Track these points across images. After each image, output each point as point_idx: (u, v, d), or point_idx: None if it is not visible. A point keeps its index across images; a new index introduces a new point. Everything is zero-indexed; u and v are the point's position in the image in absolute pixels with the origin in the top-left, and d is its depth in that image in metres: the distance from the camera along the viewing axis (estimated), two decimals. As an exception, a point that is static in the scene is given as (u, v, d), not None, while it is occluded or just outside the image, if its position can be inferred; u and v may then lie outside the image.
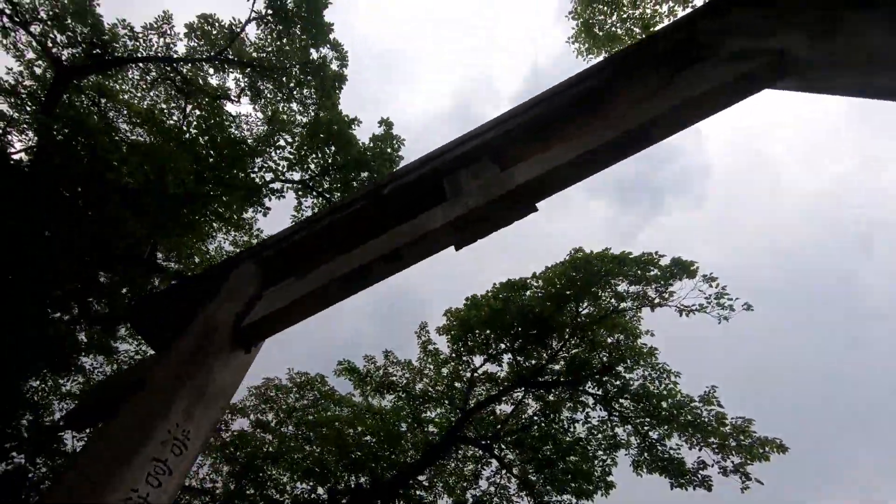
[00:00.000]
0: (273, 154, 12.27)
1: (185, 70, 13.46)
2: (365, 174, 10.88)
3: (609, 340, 12.75)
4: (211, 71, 14.06)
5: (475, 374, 14.16)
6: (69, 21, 12.22)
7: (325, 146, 11.31)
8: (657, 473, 12.44)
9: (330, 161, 11.34)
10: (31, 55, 13.40)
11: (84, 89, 12.88)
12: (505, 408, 14.85)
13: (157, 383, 3.71)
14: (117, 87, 13.41)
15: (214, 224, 13.18)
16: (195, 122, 11.69)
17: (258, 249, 5.55)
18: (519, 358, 13.55)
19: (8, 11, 12.38)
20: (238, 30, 12.07)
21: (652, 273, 11.56)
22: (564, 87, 4.48)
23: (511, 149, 4.77)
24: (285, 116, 13.44)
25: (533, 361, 13.57)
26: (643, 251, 11.56)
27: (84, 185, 9.52)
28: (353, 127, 11.13)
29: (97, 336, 13.53)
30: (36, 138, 10.53)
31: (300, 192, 12.23)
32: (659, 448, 12.42)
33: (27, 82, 13.47)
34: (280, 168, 12.26)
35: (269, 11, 11.16)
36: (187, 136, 12.04)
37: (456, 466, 15.93)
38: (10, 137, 12.53)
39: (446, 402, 14.69)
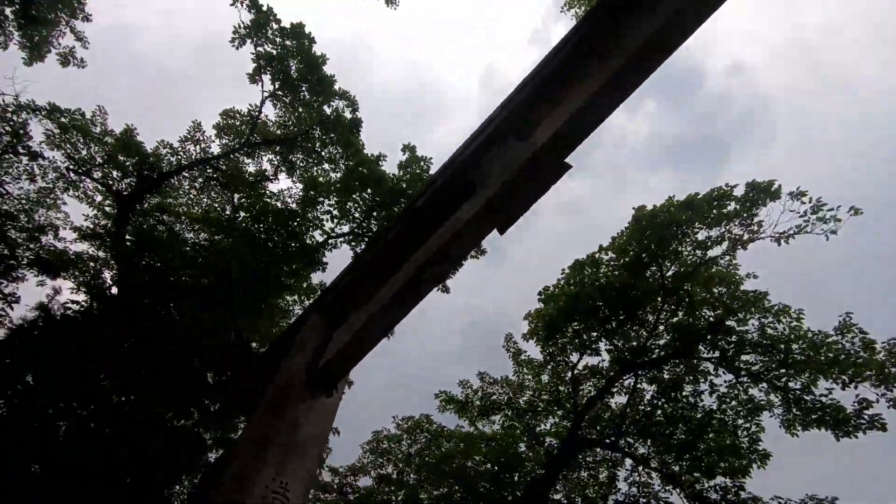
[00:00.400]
0: (319, 216, 12.83)
1: (223, 166, 14.61)
2: (403, 201, 11.05)
3: (708, 296, 11.63)
4: (246, 160, 15.18)
5: (576, 372, 13.49)
6: (120, 157, 13.78)
7: (362, 191, 11.66)
8: (815, 428, 10.96)
9: (369, 202, 11.66)
10: (99, 197, 15.18)
11: (148, 212, 14.33)
12: (619, 399, 13.95)
13: (247, 443, 3.78)
14: (173, 199, 14.79)
15: (287, 297, 13.88)
16: (244, 209, 12.54)
17: (319, 300, 5.71)
18: (616, 342, 12.74)
19: (72, 167, 14.21)
20: (256, 113, 12.97)
21: (730, 208, 10.48)
22: (562, 43, 4.28)
23: (528, 117, 4.60)
24: (321, 178, 14.10)
25: (633, 342, 12.70)
26: (711, 188, 10.56)
27: (163, 296, 10.41)
28: (380, 163, 11.42)
29: (219, 432, 14.46)
30: (116, 266, 11.74)
31: (352, 242, 12.65)
32: (807, 399, 10.97)
33: (102, 222, 15.22)
34: (328, 227, 12.80)
35: (277, 85, 11.93)
36: (241, 224, 12.95)
37: (589, 475, 15.08)
38: (103, 275, 14.16)
39: (556, 408, 14.05)
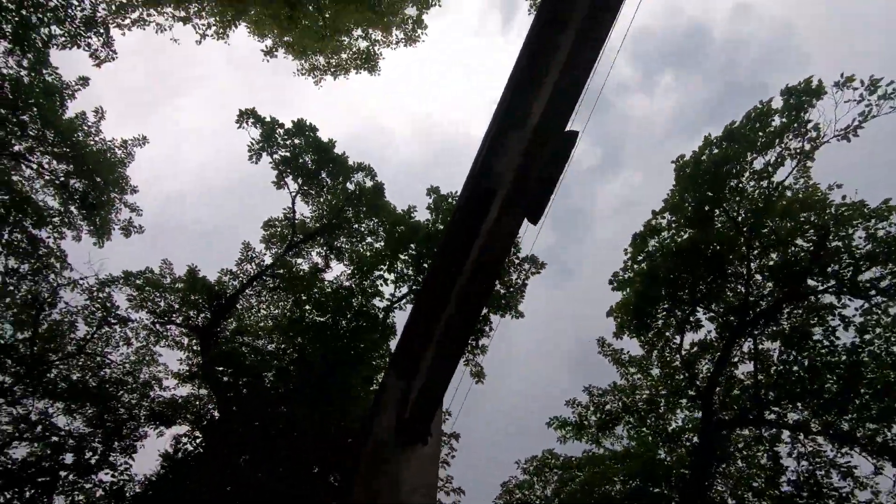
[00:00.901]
0: (375, 285, 13.15)
1: (279, 271, 15.54)
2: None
3: (794, 224, 10.46)
4: (297, 259, 16.07)
5: (684, 353, 12.38)
6: (192, 297, 15.03)
7: (405, 249, 11.92)
8: None
9: (416, 256, 11.85)
10: (185, 340, 16.47)
11: (228, 337, 15.34)
12: (745, 367, 12.56)
13: (353, 511, 3.71)
14: (245, 317, 15.77)
15: (371, 368, 14.08)
16: (307, 303, 13.11)
17: (392, 361, 5.76)
18: (714, 307, 11.64)
19: (156, 320, 15.64)
20: (291, 214, 13.84)
21: (775, 123, 9.55)
22: (531, 27, 4.32)
23: (519, 105, 4.59)
24: (368, 252, 14.61)
25: (732, 302, 11.56)
26: (745, 112, 9.73)
27: (259, 409, 10.86)
28: (412, 215, 11.66)
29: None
30: (213, 393, 12.46)
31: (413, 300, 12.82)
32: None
33: (194, 360, 16.41)
34: (388, 293, 13.09)
35: (300, 182, 12.77)
36: (308, 319, 13.52)
37: (746, 463, 13.47)
38: (208, 406, 15.10)
39: (679, 399, 12.83)
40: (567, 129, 4.15)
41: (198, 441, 12.61)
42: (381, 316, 12.60)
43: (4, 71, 12.39)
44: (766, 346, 11.93)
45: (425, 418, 4.65)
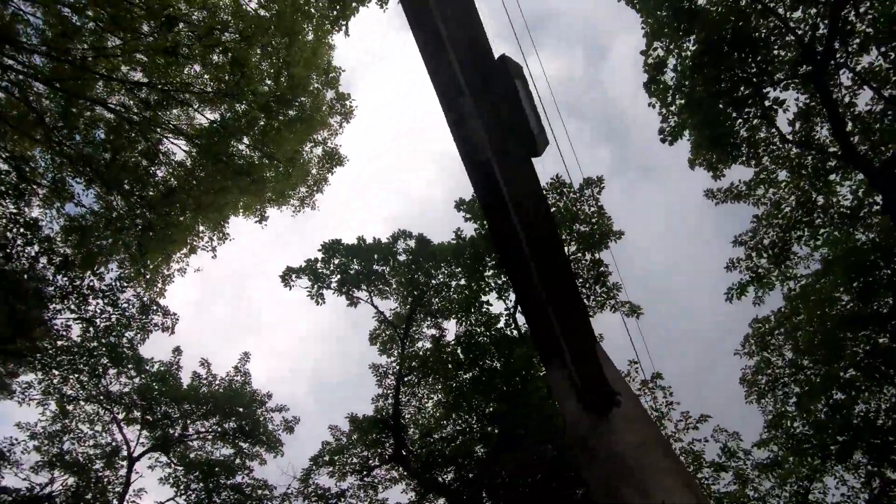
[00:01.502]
0: (489, 311, 13.10)
1: (414, 364, 16.01)
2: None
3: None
4: (418, 344, 16.53)
5: (790, 134, 10.84)
6: (369, 437, 15.85)
7: (482, 265, 11.88)
8: None
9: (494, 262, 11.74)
10: (393, 473, 17.20)
11: (422, 447, 15.83)
12: (863, 96, 10.71)
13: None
14: (420, 420, 16.26)
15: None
16: (454, 370, 13.29)
17: (541, 357, 5.63)
18: (780, 74, 10.10)
19: (363, 475, 16.55)
20: (380, 316, 14.31)
21: None
22: None
23: (443, 68, 4.53)
24: (458, 295, 14.73)
25: (792, 54, 10.05)
26: None
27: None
28: (461, 235, 11.62)
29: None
30: None
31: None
32: None
33: (412, 482, 17.02)
34: (503, 309, 13.00)
35: (364, 286, 13.31)
36: (463, 386, 13.66)
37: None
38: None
39: (826, 176, 11.11)
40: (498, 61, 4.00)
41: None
42: (511, 330, 12.46)
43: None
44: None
45: (598, 383, 4.41)
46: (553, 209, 11.00)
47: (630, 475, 3.45)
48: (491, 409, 12.14)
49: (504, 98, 3.82)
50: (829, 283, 11.99)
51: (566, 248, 11.57)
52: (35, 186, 13.17)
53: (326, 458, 16.18)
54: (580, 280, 11.61)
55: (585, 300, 11.45)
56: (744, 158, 10.24)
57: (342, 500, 15.92)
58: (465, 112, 4.21)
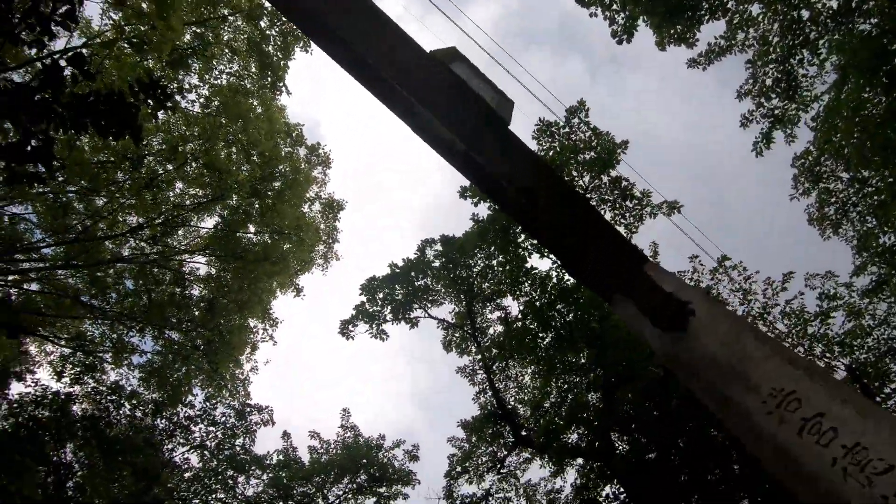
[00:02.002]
0: (536, 275, 13.09)
1: (497, 353, 16.18)
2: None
3: None
4: (490, 330, 16.69)
5: None
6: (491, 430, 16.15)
7: (507, 239, 11.87)
8: None
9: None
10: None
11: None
12: None
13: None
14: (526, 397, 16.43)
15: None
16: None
17: (606, 298, 5.62)
18: None
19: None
20: (443, 324, 14.54)
21: None
22: None
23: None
24: (503, 269, 14.78)
25: None
26: None
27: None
28: (478, 219, 11.69)
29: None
30: None
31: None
32: None
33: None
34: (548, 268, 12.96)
35: (417, 305, 13.53)
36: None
37: None
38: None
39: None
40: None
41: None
42: (566, 281, 12.38)
43: None
44: None
45: (664, 301, 4.36)
46: (550, 151, 10.86)
47: (731, 374, 3.41)
48: (584, 358, 12.14)
49: (451, 91, 3.84)
50: (853, 88, 11.26)
51: (581, 180, 11.38)
52: (101, 355, 14.10)
53: (458, 468, 16.60)
54: (609, 202, 11.41)
55: (622, 219, 11.25)
56: (708, 15, 9.72)
57: (489, 499, 16.32)
58: (423, 119, 4.25)
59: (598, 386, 12.29)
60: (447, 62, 4.39)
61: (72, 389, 13.09)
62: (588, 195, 11.08)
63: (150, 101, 3.19)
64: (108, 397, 13.32)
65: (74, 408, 12.74)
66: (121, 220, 12.68)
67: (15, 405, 11.77)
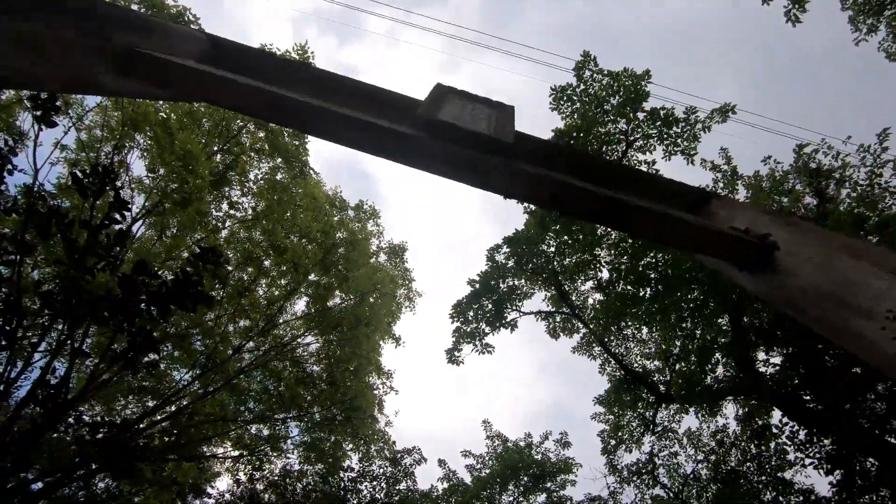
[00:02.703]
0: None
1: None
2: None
3: None
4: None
5: None
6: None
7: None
8: None
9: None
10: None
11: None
12: None
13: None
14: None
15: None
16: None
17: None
18: None
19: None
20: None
21: None
22: None
23: None
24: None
25: None
26: None
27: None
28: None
29: None
30: None
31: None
32: None
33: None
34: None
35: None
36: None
37: None
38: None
39: None
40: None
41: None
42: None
43: None
44: None
45: (739, 241, 4.11)
46: (574, 115, 10.45)
47: (839, 303, 3.16)
48: (692, 302, 11.47)
49: (450, 157, 3.93)
50: None
51: (616, 127, 10.85)
52: (263, 449, 15.71)
53: (612, 441, 16.31)
54: (654, 137, 10.75)
55: (675, 147, 10.50)
56: None
57: (654, 459, 15.85)
58: (444, 170, 4.37)
59: (715, 324, 11.56)
60: (437, 105, 4.50)
61: (252, 486, 14.70)
62: (631, 139, 10.55)
63: (210, 265, 3.65)
64: (284, 481, 14.79)
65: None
66: (231, 329, 14.11)
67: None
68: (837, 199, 10.26)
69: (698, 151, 10.47)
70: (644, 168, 10.55)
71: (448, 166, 3.75)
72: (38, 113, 3.69)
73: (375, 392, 15.27)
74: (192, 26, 10.99)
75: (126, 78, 3.55)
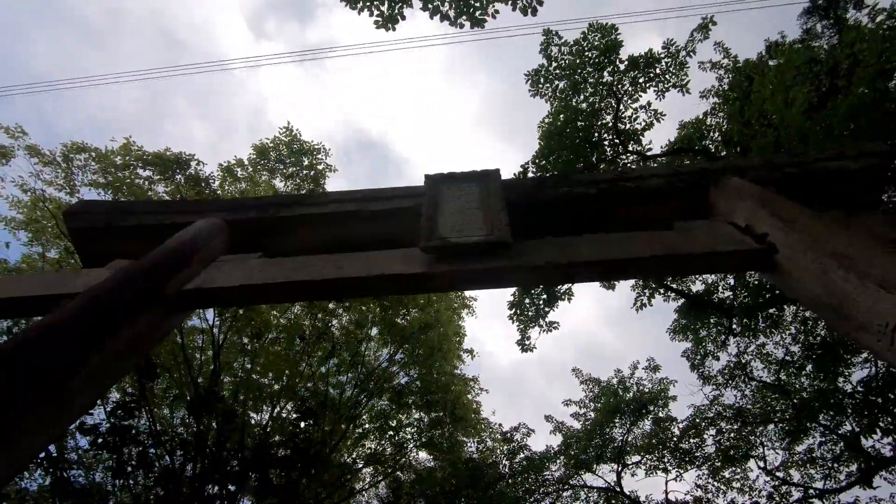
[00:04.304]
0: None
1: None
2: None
3: None
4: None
5: None
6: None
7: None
8: None
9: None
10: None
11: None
12: None
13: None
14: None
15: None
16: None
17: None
18: None
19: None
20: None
21: None
22: None
23: None
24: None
25: None
26: None
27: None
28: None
29: None
30: None
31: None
32: None
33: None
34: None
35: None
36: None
37: None
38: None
39: None
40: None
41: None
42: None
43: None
44: None
45: (730, 238, 4.24)
46: (555, 92, 10.21)
47: (839, 315, 3.28)
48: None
49: (454, 253, 4.27)
50: None
51: (600, 81, 10.56)
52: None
53: (697, 357, 16.53)
54: (640, 84, 10.36)
55: (664, 84, 10.14)
56: None
57: (742, 357, 15.90)
58: (460, 287, 4.74)
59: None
60: (434, 208, 4.78)
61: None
62: (618, 93, 10.28)
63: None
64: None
65: None
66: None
67: None
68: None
69: (690, 77, 10.09)
70: (642, 116, 10.30)
71: (464, 284, 4.15)
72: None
73: (469, 396, 16.23)
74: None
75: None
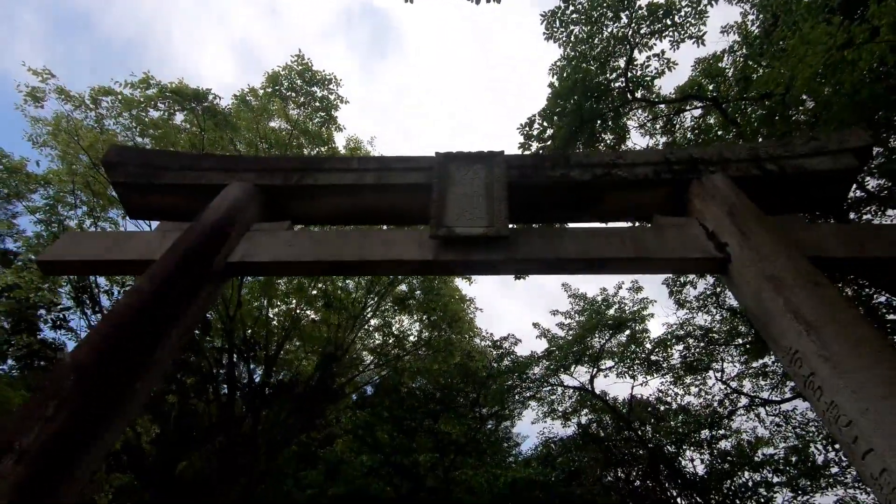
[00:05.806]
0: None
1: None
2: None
3: None
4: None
5: None
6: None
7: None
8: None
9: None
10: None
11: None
12: None
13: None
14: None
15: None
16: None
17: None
18: None
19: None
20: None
21: None
22: None
23: None
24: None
25: None
26: None
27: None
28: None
29: None
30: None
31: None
32: None
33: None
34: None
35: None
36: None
37: None
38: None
39: None
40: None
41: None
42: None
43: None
44: None
45: (698, 242, 4.75)
46: (570, 37, 9.69)
47: (767, 328, 3.92)
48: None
49: (458, 242, 4.83)
50: None
51: (617, 25, 10.04)
52: None
53: (678, 284, 17.56)
54: (657, 34, 9.78)
55: (683, 36, 9.62)
56: None
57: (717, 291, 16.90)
58: (460, 272, 5.32)
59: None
60: (443, 191, 5.24)
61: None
62: (634, 40, 9.84)
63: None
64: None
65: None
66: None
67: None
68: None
69: (707, 29, 9.60)
70: (654, 63, 9.96)
71: (465, 271, 4.77)
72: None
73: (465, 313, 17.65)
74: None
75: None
